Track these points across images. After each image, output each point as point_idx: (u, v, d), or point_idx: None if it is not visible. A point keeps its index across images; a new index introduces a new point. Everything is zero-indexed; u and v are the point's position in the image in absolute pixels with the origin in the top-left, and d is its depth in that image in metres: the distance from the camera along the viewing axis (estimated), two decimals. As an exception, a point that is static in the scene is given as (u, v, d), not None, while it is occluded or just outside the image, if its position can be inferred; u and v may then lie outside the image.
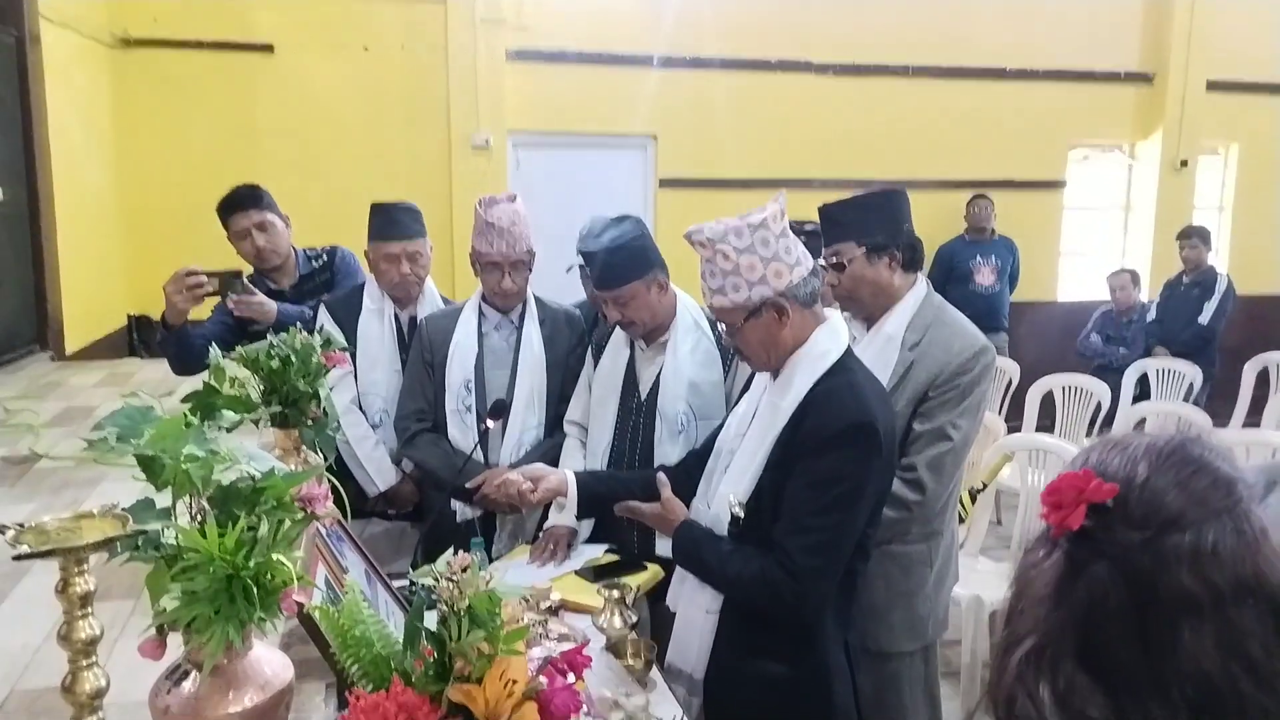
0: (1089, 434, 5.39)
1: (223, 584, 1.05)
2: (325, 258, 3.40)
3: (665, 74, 6.38)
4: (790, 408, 1.82)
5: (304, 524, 1.22)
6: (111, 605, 1.69)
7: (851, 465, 1.76)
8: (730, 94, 6.51)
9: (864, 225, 2.25)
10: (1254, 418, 5.97)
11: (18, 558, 0.75)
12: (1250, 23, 7.41)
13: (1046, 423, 5.55)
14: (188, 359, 2.96)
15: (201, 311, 3.11)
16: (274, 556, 1.06)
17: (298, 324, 2.11)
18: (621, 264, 2.44)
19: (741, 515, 1.84)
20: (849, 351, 1.89)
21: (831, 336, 1.88)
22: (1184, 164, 7.37)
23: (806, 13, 6.63)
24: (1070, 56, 7.18)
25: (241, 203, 3.22)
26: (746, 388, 2.13)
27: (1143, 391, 5.98)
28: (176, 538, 1.07)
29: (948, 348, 2.21)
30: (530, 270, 2.82)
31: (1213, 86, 7.33)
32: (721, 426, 2.10)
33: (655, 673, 2.00)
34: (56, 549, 0.76)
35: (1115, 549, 0.86)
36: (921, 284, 2.33)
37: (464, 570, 1.27)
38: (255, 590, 1.04)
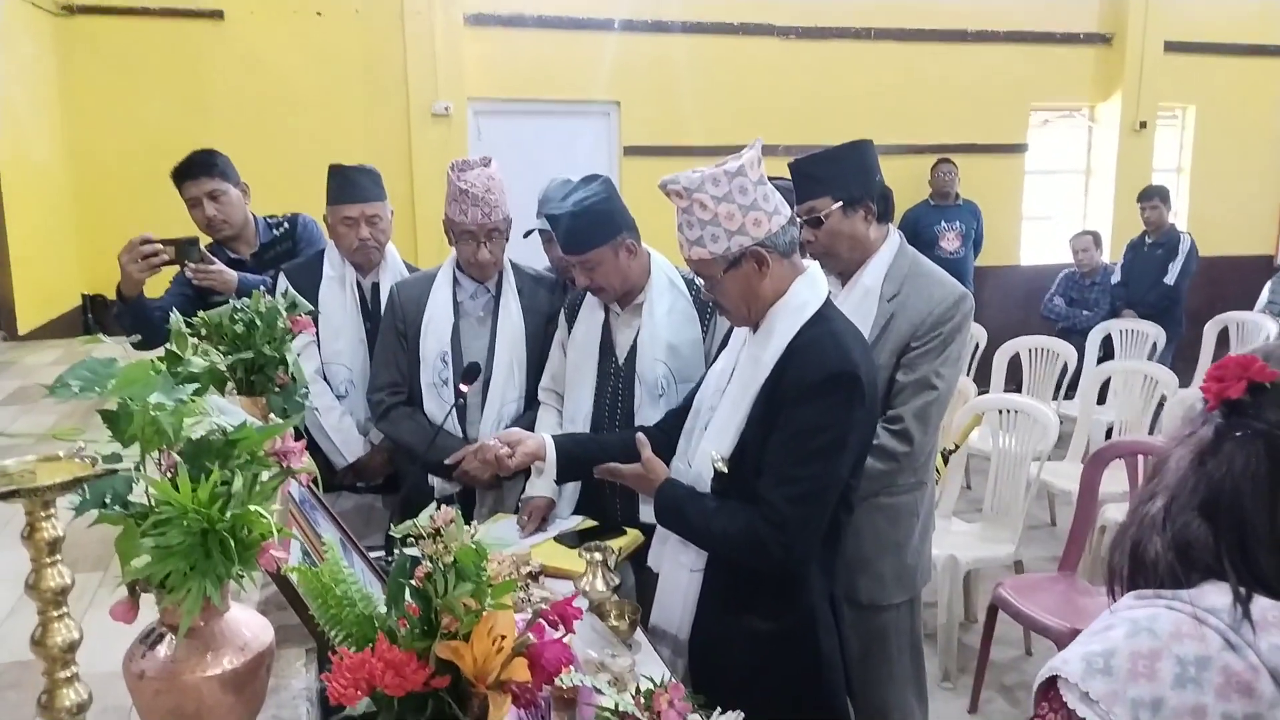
0: (1055, 396, 5.44)
1: (197, 539, 1.00)
2: (287, 226, 3.30)
3: (626, 38, 6.30)
4: (771, 360, 1.79)
5: (280, 480, 1.16)
6: (79, 577, 1.63)
7: (834, 414, 1.73)
8: (693, 59, 6.45)
9: (837, 178, 2.21)
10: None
11: (-15, 498, 0.70)
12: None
13: (1013, 385, 5.60)
14: (146, 332, 2.86)
15: (159, 283, 3.02)
16: (252, 508, 1.01)
17: (261, 290, 2.04)
18: (586, 229, 2.36)
19: (725, 470, 1.80)
20: (828, 301, 1.85)
21: (811, 287, 1.84)
22: (1143, 125, 7.43)
23: (768, -25, 6.58)
24: (1030, 18, 7.20)
25: (193, 170, 3.12)
26: (718, 351, 2.09)
27: (1106, 353, 6.04)
28: (147, 493, 1.02)
29: (928, 297, 2.18)
30: (507, 239, 2.73)
31: (1170, 48, 7.39)
32: (698, 386, 2.06)
33: (640, 635, 1.97)
34: (21, 489, 0.70)
35: (1264, 424, 1.00)
36: (895, 235, 2.30)
37: (449, 524, 1.23)
38: (232, 544, 0.99)
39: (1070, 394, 5.54)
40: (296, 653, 1.42)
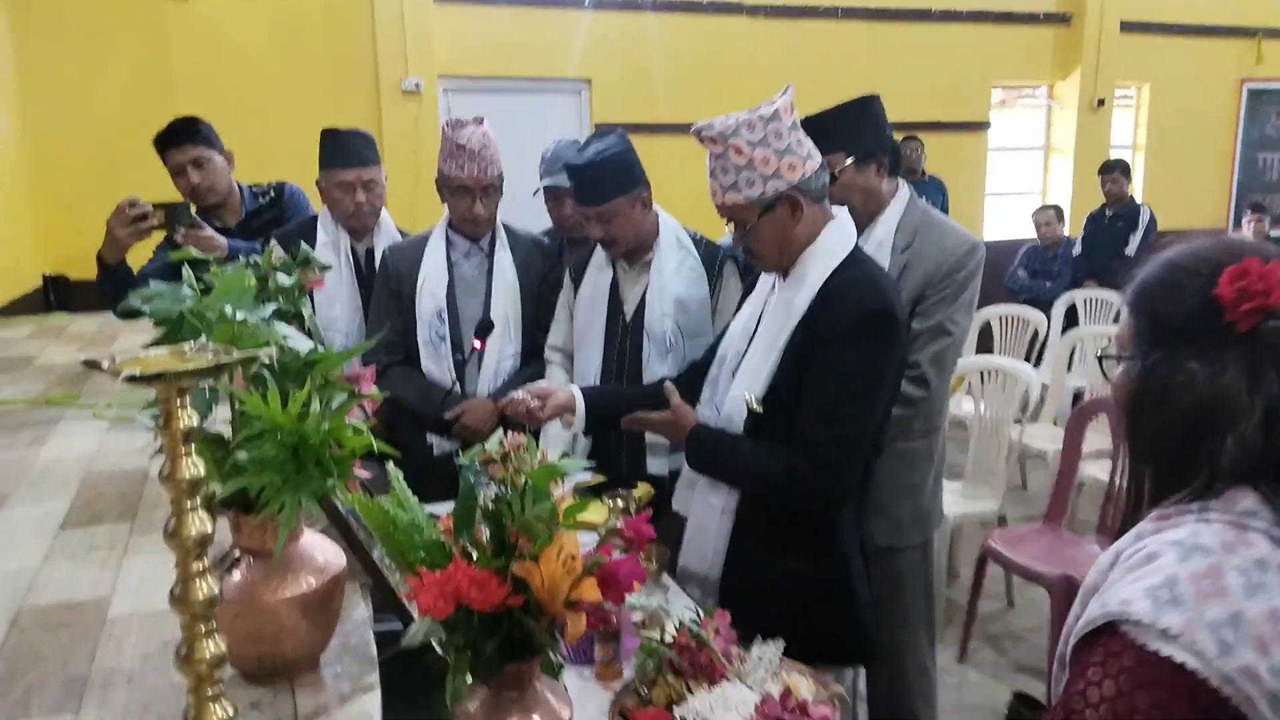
0: (1026, 359, 5.54)
1: (289, 454, 0.99)
2: (273, 194, 3.26)
3: (597, 16, 6.29)
4: (805, 302, 1.80)
5: (352, 404, 1.15)
6: (107, 529, 1.61)
7: (872, 355, 1.75)
8: (663, 37, 6.45)
9: (850, 134, 2.24)
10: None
11: (131, 379, 0.68)
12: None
13: (984, 353, 5.68)
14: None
15: (144, 251, 2.96)
16: (344, 425, 1.00)
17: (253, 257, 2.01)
18: (606, 179, 2.37)
19: (760, 411, 1.82)
20: (857, 246, 1.87)
21: (840, 232, 1.86)
22: (1100, 103, 7.59)
23: (736, -46, 6.61)
24: (991, -2, 7.31)
25: (177, 137, 3.07)
26: (738, 307, 2.10)
27: (1071, 322, 6.17)
28: (233, 408, 1.00)
29: (941, 246, 2.22)
30: (501, 195, 2.73)
31: (1126, 27, 7.55)
32: (722, 337, 2.07)
33: (667, 579, 1.98)
34: (167, 373, 0.69)
35: None
36: (905, 188, 2.34)
37: (518, 449, 1.23)
38: (327, 458, 0.98)
39: (1038, 362, 5.64)
40: (352, 585, 1.41)
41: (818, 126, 2.26)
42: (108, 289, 2.86)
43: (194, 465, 0.76)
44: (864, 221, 2.30)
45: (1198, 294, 1.05)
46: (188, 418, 0.74)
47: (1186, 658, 0.92)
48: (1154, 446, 1.10)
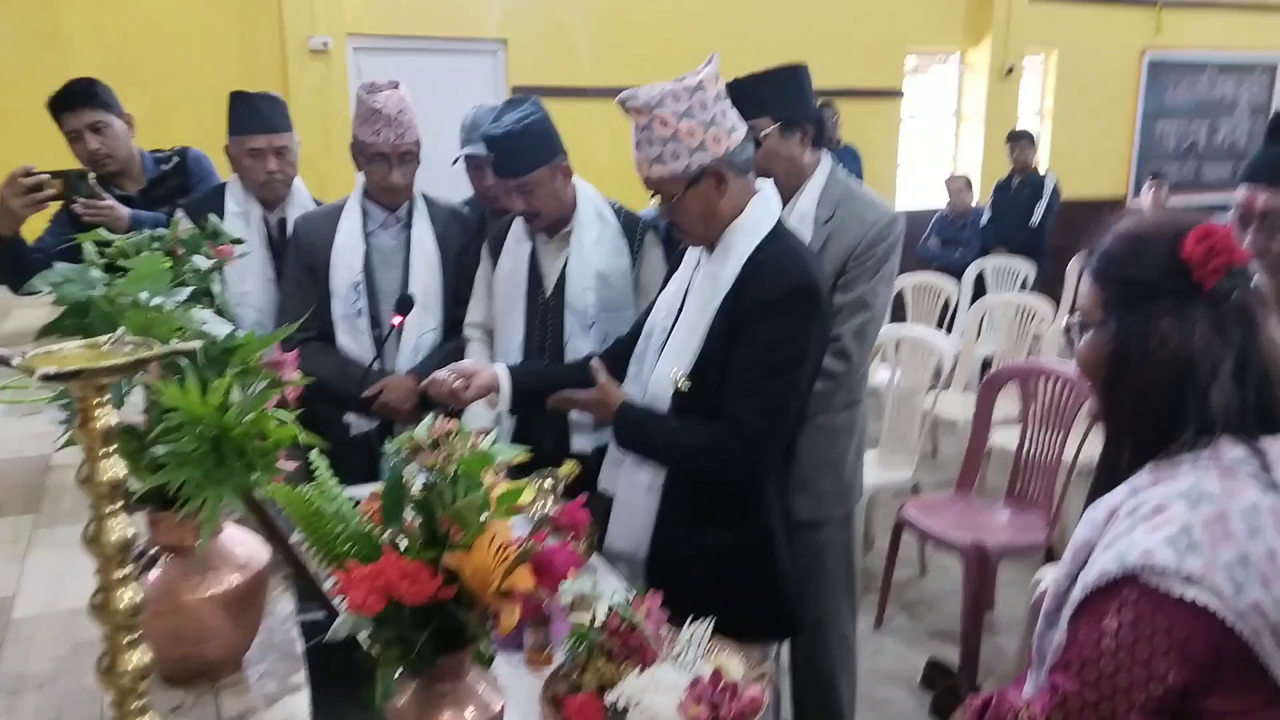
0: (938, 329, 5.66)
1: (210, 446, 0.95)
2: (176, 159, 3.12)
3: (513, -26, 6.15)
4: (730, 277, 1.80)
5: (274, 392, 1.11)
6: (10, 521, 1.53)
7: (796, 328, 1.76)
8: (579, -3, 6.34)
9: (777, 99, 2.23)
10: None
11: (46, 378, 0.63)
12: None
13: (897, 321, 5.78)
14: (27, 276, 2.66)
15: (38, 221, 2.81)
16: (267, 415, 0.96)
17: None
18: (527, 148, 2.32)
19: (686, 388, 1.81)
20: (780, 220, 1.88)
21: (765, 205, 1.86)
22: (1010, 71, 7.73)
23: (654, -85, 6.52)
24: (905, -38, 7.36)
25: (72, 100, 2.91)
26: (668, 276, 2.09)
27: (980, 290, 6.32)
28: (149, 399, 0.96)
29: (862, 219, 2.23)
30: (418, 163, 2.66)
31: (1036, -6, 7.69)
32: (649, 310, 2.06)
33: (596, 558, 1.97)
34: (85, 369, 0.64)
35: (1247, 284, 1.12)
36: (826, 160, 2.34)
37: (448, 435, 1.21)
38: (251, 450, 0.94)
39: (949, 330, 5.77)
40: (274, 579, 1.37)
41: (744, 91, 2.25)
42: (2, 263, 2.71)
43: (114, 466, 0.72)
44: (786, 194, 2.29)
45: (1164, 255, 1.14)
46: (107, 416, 0.70)
47: (1208, 599, 1.01)
48: (1136, 405, 1.16)
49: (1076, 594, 1.11)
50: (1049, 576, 2.82)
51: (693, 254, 1.97)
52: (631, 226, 2.52)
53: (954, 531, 3.31)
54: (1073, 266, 6.58)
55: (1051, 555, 3.25)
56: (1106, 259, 1.21)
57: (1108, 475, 1.21)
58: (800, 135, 2.25)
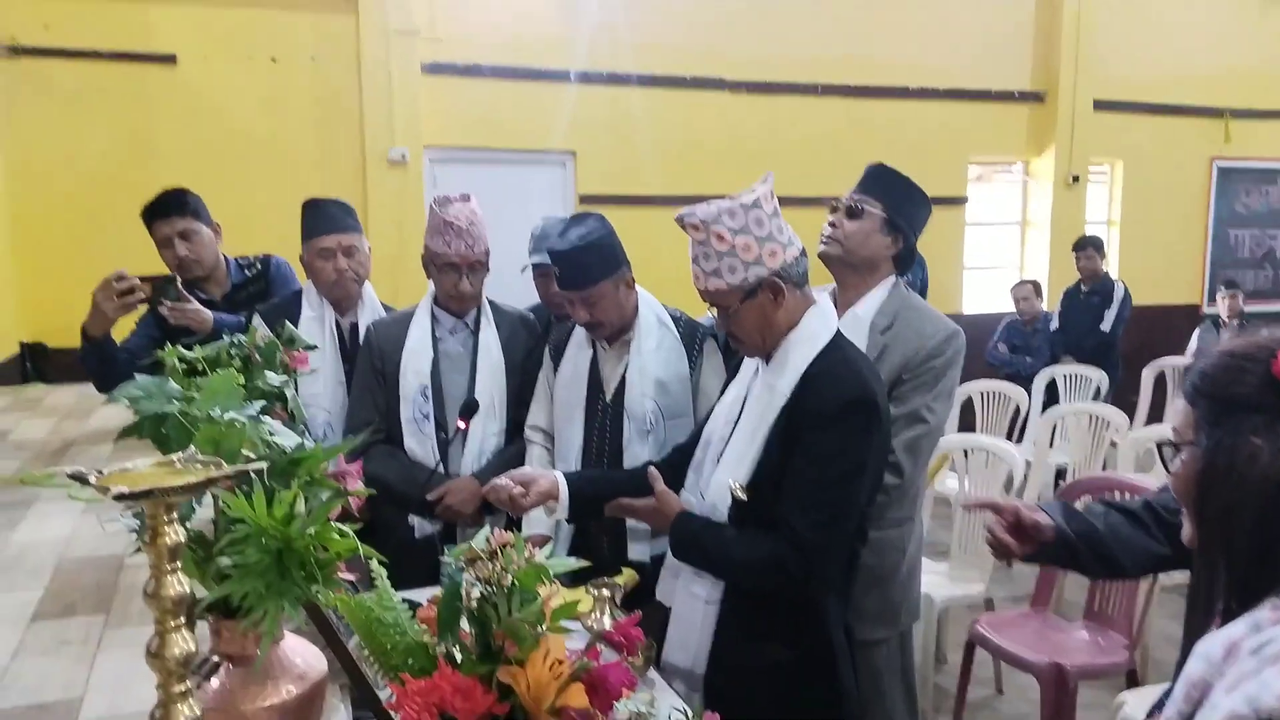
0: (1009, 438, 5.56)
1: (272, 558, 0.97)
2: (259, 266, 3.25)
3: (582, 89, 6.39)
4: (788, 388, 1.81)
5: (338, 503, 1.13)
6: (82, 621, 1.57)
7: (854, 440, 1.75)
8: (647, 110, 6.56)
9: (899, 202, 2.31)
10: (1155, 416, 6.27)
11: (118, 497, 0.67)
12: (1130, 45, 7.87)
13: (966, 429, 5.70)
14: (109, 375, 2.78)
15: (126, 324, 2.94)
16: (330, 526, 0.98)
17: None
18: (592, 263, 2.38)
19: (744, 498, 1.81)
20: (839, 332, 1.89)
21: (822, 318, 1.88)
22: (1075, 180, 7.74)
23: (719, 31, 6.76)
24: (967, 76, 7.49)
25: (165, 209, 3.07)
26: (725, 384, 2.11)
27: (1051, 397, 6.21)
28: (217, 511, 0.99)
29: (920, 331, 2.23)
30: (488, 272, 2.74)
31: (1099, 106, 7.74)
32: (708, 419, 2.06)
33: (652, 672, 1.94)
34: (155, 489, 0.68)
35: None
36: (893, 276, 2.36)
37: (505, 547, 1.22)
38: (312, 563, 0.96)
39: (1020, 439, 5.66)
40: (331, 689, 1.38)
41: (882, 177, 2.33)
42: (91, 362, 2.83)
43: (180, 583, 0.74)
44: (848, 292, 2.31)
45: (1258, 374, 1.13)
46: (174, 533, 0.73)
47: None
48: (1225, 526, 1.12)
49: None
50: (1131, 701, 2.71)
51: (750, 362, 1.98)
52: (691, 334, 2.55)
53: (1030, 651, 3.18)
54: (1147, 375, 6.47)
55: (1134, 677, 3.11)
56: (1201, 377, 1.20)
57: (1203, 604, 1.16)
58: (893, 239, 2.30)
